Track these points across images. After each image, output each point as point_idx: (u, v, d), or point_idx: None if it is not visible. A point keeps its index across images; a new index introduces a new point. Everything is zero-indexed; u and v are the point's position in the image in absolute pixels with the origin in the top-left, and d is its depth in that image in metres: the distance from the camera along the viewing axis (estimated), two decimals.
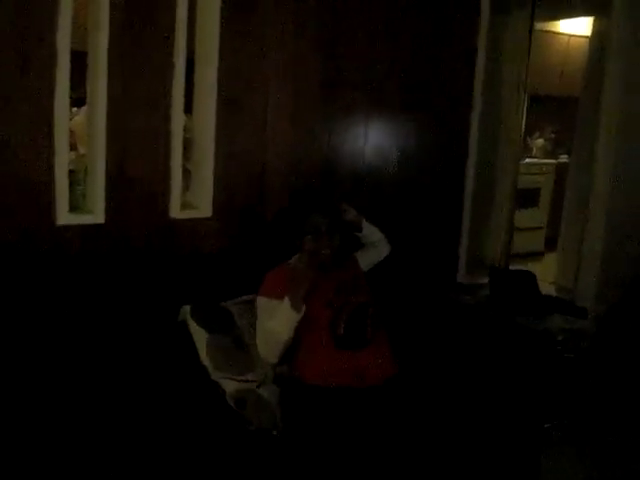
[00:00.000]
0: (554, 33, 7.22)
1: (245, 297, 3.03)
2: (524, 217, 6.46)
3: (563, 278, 4.90)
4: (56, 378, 2.60)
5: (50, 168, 2.91)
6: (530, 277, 3.88)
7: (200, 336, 2.83)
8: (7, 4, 2.72)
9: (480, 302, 3.77)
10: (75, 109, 4.01)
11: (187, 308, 2.90)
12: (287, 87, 3.51)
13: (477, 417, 2.71)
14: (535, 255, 6.88)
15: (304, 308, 2.71)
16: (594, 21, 4.91)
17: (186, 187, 3.36)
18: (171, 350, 2.80)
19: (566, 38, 7.32)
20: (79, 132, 3.70)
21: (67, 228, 2.98)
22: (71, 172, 3.04)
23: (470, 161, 4.42)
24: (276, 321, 2.73)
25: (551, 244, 6.74)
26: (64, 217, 2.97)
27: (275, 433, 2.61)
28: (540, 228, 7.21)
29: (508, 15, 4.67)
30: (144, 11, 3.05)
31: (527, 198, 6.71)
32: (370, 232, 3.23)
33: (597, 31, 4.77)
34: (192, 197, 3.39)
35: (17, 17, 2.75)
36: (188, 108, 3.31)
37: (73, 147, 3.58)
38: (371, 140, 3.88)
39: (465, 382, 2.92)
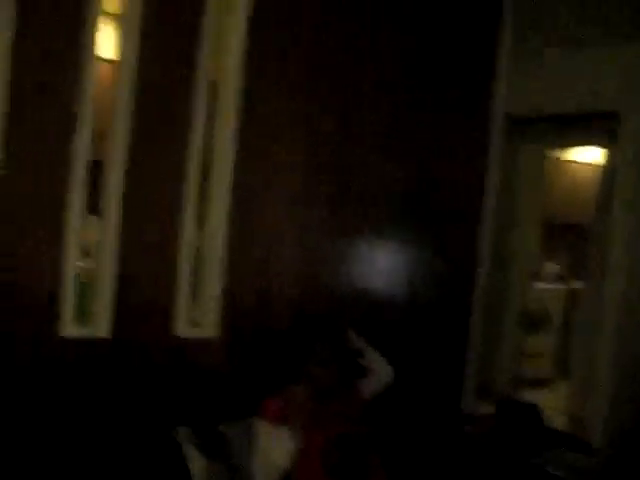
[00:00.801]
0: (567, 161, 7.35)
1: (244, 422, 2.96)
2: (534, 343, 6.39)
3: (573, 406, 4.80)
4: None
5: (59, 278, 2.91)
6: (535, 410, 3.80)
7: (197, 462, 2.76)
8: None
9: (485, 434, 3.67)
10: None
11: (184, 430, 2.83)
12: (295, 210, 3.55)
13: None
14: (545, 381, 6.76)
15: (302, 438, 2.66)
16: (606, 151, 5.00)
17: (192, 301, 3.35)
18: (166, 472, 2.74)
19: (580, 166, 7.44)
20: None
21: (72, 340, 2.95)
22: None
23: (478, 285, 4.40)
24: (277, 450, 2.68)
25: (562, 371, 6.65)
26: (69, 329, 2.94)
27: None
28: (550, 354, 7.11)
29: (521, 143, 4.77)
30: (162, 123, 3.13)
31: (537, 324, 6.65)
32: (374, 360, 3.18)
33: (608, 160, 4.85)
34: (198, 314, 3.37)
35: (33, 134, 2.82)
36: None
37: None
38: (378, 264, 3.88)
39: None
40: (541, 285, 7.38)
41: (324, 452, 2.74)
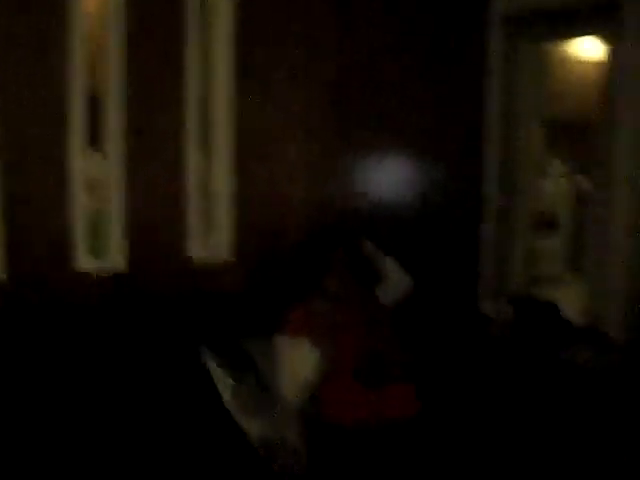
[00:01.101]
0: (570, 58, 7.21)
1: (266, 337, 3.01)
2: (545, 241, 6.42)
3: (590, 302, 4.84)
4: (77, 425, 2.60)
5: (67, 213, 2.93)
6: (554, 308, 3.82)
7: (222, 379, 2.79)
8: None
9: (505, 334, 3.71)
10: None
11: (208, 350, 2.88)
12: (303, 129, 3.53)
13: (502, 453, 2.66)
14: (557, 280, 6.81)
15: (327, 347, 2.69)
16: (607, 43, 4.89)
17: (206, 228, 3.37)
18: (194, 393, 2.79)
19: (583, 63, 7.30)
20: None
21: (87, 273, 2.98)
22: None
23: (488, 187, 4.40)
24: (299, 361, 2.71)
25: (574, 269, 6.69)
26: (84, 262, 2.97)
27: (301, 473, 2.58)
28: (562, 252, 7.15)
29: (519, 42, 4.68)
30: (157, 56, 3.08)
31: (547, 222, 6.67)
32: (390, 267, 3.21)
33: (611, 56, 4.75)
34: (213, 238, 3.39)
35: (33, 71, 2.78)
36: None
37: None
38: (388, 178, 3.88)
39: (490, 418, 2.88)
40: (549, 184, 7.37)
41: (354, 358, 2.78)
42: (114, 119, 3.03)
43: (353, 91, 3.69)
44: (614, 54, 4.59)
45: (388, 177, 3.89)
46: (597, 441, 2.87)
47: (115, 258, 3.07)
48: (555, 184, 7.51)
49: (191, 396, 2.78)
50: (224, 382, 2.78)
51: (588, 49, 6.94)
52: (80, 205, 2.97)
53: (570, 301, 4.55)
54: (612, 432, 2.91)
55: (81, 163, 2.99)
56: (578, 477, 2.67)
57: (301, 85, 3.51)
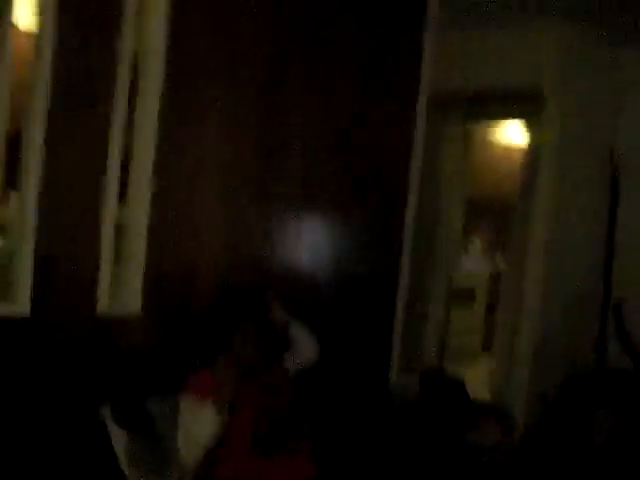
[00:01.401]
0: (493, 143, 7.46)
1: (169, 397, 2.95)
2: (460, 317, 6.52)
3: (496, 379, 4.92)
4: None
5: None
6: (460, 385, 3.88)
7: (119, 439, 2.73)
8: None
9: (410, 406, 3.73)
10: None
11: (108, 407, 2.80)
12: (220, 181, 3.52)
13: None
14: (469, 355, 6.91)
15: (226, 412, 2.66)
16: (527, 128, 5.08)
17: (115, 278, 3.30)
18: (90, 451, 2.72)
19: (501, 147, 7.57)
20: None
21: None
22: None
23: (404, 259, 4.45)
24: (200, 425, 2.66)
25: (486, 345, 6.82)
26: None
27: None
28: (476, 329, 7.26)
29: (444, 123, 4.84)
30: (81, 100, 3.06)
31: (463, 298, 6.79)
32: (298, 333, 3.19)
33: (531, 141, 4.94)
34: (121, 289, 3.32)
35: None
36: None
37: None
38: (305, 240, 3.89)
39: None
40: (467, 261, 7.54)
41: (253, 424, 2.74)
42: (32, 160, 2.96)
43: (278, 150, 3.71)
44: (533, 139, 4.79)
45: (306, 240, 3.90)
46: None
47: (20, 302, 2.96)
48: (474, 261, 7.69)
49: (87, 454, 2.69)
50: (120, 442, 2.72)
51: (510, 133, 7.22)
52: None
53: (478, 378, 4.63)
54: None
55: None
56: None
57: (229, 135, 3.52)
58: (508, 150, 7.41)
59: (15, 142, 2.96)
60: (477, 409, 3.84)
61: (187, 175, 3.41)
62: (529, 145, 4.92)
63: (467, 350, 6.93)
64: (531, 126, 4.92)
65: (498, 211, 7.68)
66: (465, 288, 7.00)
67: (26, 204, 2.96)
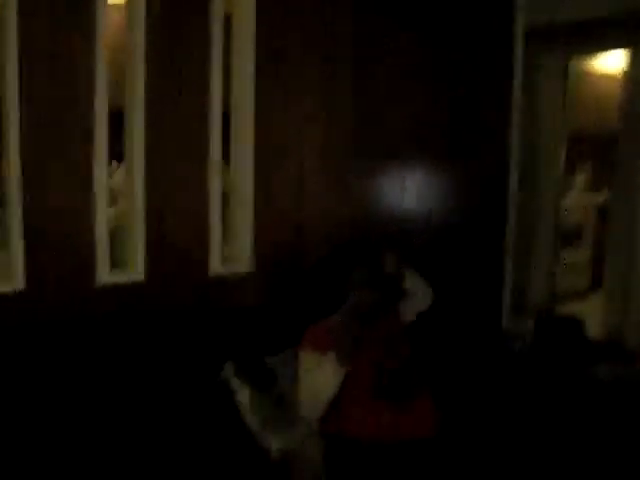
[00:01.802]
0: (593, 73, 7.18)
1: (288, 351, 2.99)
2: (568, 256, 6.37)
3: (610, 317, 4.79)
4: (97, 439, 2.59)
5: (91, 228, 2.92)
6: (576, 324, 3.77)
7: (244, 394, 2.80)
8: (42, 70, 2.76)
9: (526, 350, 3.67)
10: (116, 165, 4.02)
11: (231, 365, 2.87)
12: (320, 139, 3.52)
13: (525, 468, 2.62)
14: (581, 294, 6.76)
15: (349, 363, 2.67)
16: (630, 56, 4.84)
17: (225, 241, 3.36)
18: (214, 408, 2.78)
19: (602, 77, 7.27)
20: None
21: (107, 287, 2.98)
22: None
23: (510, 202, 4.36)
24: (321, 377, 2.68)
25: (597, 283, 6.63)
26: (104, 276, 2.97)
27: None
28: (585, 266, 7.08)
29: (542, 54, 4.66)
30: (179, 64, 3.09)
31: (570, 236, 6.64)
32: (413, 282, 3.17)
33: (632, 66, 4.71)
34: (231, 251, 3.38)
35: (52, 82, 2.79)
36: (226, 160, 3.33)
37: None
38: (410, 188, 3.86)
39: (509, 436, 2.84)
40: (572, 199, 7.33)
41: (373, 374, 2.74)
42: (136, 133, 3.03)
43: (372, 105, 3.67)
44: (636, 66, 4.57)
45: (412, 191, 3.87)
46: (619, 456, 2.82)
47: (135, 271, 3.06)
48: (579, 198, 7.46)
49: (211, 412, 2.76)
50: (245, 397, 2.78)
51: (613, 63, 6.90)
52: (103, 218, 2.96)
53: (592, 316, 4.51)
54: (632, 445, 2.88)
55: (105, 177, 2.98)
56: None
57: (323, 102, 3.50)
58: (611, 81, 7.13)
59: (116, 116, 3.03)
60: (593, 346, 3.75)
61: (289, 136, 3.42)
62: (632, 75, 4.69)
63: (578, 289, 6.78)
64: (636, 54, 4.68)
65: (603, 145, 7.43)
66: (572, 225, 6.83)
67: (133, 174, 3.04)
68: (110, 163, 3.54)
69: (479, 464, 2.63)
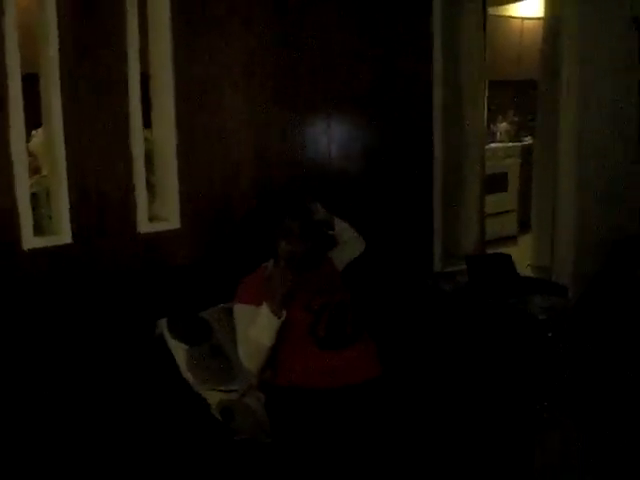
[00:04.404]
0: (508, 17, 7.27)
1: (222, 305, 2.99)
2: (495, 202, 6.51)
3: (539, 258, 4.92)
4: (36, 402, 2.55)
5: (11, 193, 2.84)
6: (506, 259, 3.85)
7: (179, 350, 2.77)
8: None
9: (459, 288, 3.73)
10: (34, 131, 3.91)
11: (163, 322, 2.84)
12: (244, 88, 3.47)
13: (465, 404, 2.68)
14: (509, 239, 6.93)
15: (284, 313, 2.67)
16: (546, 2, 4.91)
17: (152, 200, 3.31)
18: (151, 366, 2.75)
19: (520, 22, 7.38)
20: (40, 153, 3.63)
21: (34, 252, 2.91)
22: (34, 195, 2.99)
23: (436, 150, 4.41)
24: (257, 328, 2.68)
25: (523, 227, 6.80)
26: (30, 241, 2.90)
27: (264, 441, 2.57)
28: (511, 212, 7.25)
29: (460, 4, 4.70)
30: (94, 26, 3.00)
31: (496, 183, 6.77)
32: (342, 229, 3.19)
33: (551, 11, 4.78)
34: (159, 210, 3.33)
35: None
36: (147, 122, 3.26)
37: (37, 170, 3.52)
38: (335, 137, 3.86)
39: (450, 370, 2.90)
40: (496, 145, 7.48)
41: (312, 325, 2.76)
42: (53, 94, 2.93)
43: (300, 49, 3.65)
44: (552, 11, 4.64)
45: (336, 136, 3.87)
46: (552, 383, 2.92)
47: (62, 233, 2.99)
48: (503, 145, 7.60)
49: (148, 370, 2.74)
50: (181, 353, 2.76)
51: (529, 9, 7.01)
52: (23, 184, 2.88)
53: (521, 258, 4.62)
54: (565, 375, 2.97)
55: (23, 144, 2.89)
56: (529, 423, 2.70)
57: (251, 35, 3.46)
58: (527, 25, 7.26)
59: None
60: (524, 280, 3.83)
61: (213, 84, 3.37)
62: (548, 18, 4.75)
63: (506, 233, 6.95)
64: None
65: (523, 92, 7.57)
66: (498, 174, 6.96)
67: (53, 138, 2.96)
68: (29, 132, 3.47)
69: (421, 403, 2.66)
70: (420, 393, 2.71)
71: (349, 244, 3.21)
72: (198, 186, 3.34)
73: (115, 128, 3.09)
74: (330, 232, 3.14)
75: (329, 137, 3.83)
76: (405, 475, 2.35)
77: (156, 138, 3.31)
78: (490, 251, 5.14)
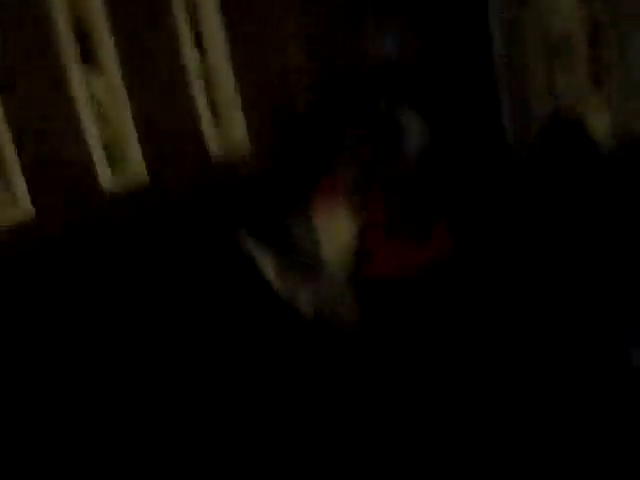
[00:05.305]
0: None
1: (300, 209, 3.02)
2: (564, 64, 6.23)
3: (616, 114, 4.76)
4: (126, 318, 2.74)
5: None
6: (578, 124, 3.68)
7: (264, 256, 2.83)
8: None
9: (533, 157, 3.59)
10: None
11: (247, 234, 2.89)
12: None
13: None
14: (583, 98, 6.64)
15: (360, 209, 2.73)
16: None
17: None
18: (239, 278, 2.86)
19: None
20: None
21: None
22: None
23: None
24: (338, 228, 2.73)
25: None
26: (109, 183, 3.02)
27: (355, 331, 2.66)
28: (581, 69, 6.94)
29: None
30: None
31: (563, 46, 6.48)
32: (409, 120, 3.16)
33: None
34: (225, 132, 3.40)
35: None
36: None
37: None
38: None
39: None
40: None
41: (390, 219, 2.78)
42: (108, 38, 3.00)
43: None
44: None
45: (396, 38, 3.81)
46: None
47: (137, 172, 3.10)
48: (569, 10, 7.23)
49: (236, 281, 2.86)
50: (266, 262, 2.83)
51: None
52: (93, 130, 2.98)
53: (596, 122, 4.46)
54: None
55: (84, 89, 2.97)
56: None
57: None
58: None
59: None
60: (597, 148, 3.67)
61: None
62: None
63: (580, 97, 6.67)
64: None
65: None
66: (564, 36, 6.66)
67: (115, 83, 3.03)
68: None
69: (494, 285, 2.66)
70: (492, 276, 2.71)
71: (417, 131, 3.17)
72: (261, 103, 3.37)
73: (175, 59, 3.16)
74: (396, 124, 3.10)
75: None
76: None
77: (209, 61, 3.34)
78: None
